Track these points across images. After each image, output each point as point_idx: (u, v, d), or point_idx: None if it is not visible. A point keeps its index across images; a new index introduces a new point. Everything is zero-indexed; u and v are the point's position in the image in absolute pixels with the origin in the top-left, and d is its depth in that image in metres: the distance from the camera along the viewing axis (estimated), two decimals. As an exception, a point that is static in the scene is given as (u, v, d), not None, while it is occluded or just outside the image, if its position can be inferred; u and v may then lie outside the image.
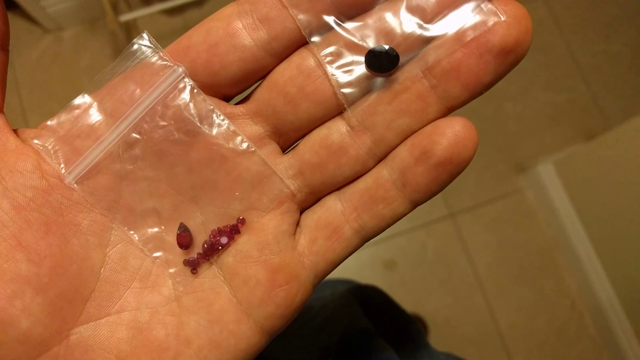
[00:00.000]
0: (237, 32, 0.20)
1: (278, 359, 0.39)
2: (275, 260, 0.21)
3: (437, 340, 1.17)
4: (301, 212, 0.23)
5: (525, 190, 1.29)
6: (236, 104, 0.22)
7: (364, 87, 0.21)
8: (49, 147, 0.20)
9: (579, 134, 1.33)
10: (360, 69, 0.21)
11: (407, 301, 1.20)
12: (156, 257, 0.21)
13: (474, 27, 0.20)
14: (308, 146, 0.22)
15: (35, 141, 0.20)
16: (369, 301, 0.49)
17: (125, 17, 1.13)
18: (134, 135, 0.21)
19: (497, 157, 1.29)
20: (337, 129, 0.21)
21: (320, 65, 0.21)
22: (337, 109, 0.21)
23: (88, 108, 0.21)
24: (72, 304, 0.19)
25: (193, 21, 1.27)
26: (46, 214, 0.19)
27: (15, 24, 1.31)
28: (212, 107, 0.21)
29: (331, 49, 0.21)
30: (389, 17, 0.21)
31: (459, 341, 1.20)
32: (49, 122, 0.21)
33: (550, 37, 1.40)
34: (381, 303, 0.50)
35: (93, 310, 0.20)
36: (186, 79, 0.21)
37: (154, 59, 0.21)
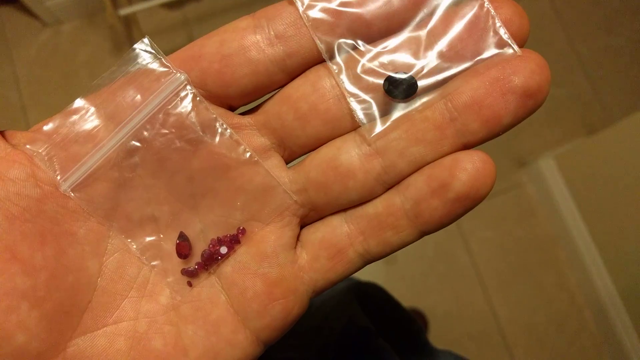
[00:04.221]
0: (251, 45, 0.20)
1: (276, 356, 0.39)
2: (274, 274, 0.21)
3: (437, 335, 1.17)
4: (302, 227, 0.23)
5: (526, 185, 1.29)
6: (242, 114, 0.22)
7: (380, 112, 0.21)
8: (43, 153, 0.20)
9: (581, 129, 1.32)
10: (378, 94, 0.21)
11: (407, 296, 1.20)
12: (154, 266, 0.21)
13: (492, 61, 0.20)
14: (315, 164, 0.21)
15: (28, 146, 0.20)
16: (368, 299, 0.49)
17: (125, 10, 1.12)
18: (133, 142, 0.20)
19: (497, 151, 1.29)
20: (347, 151, 0.21)
21: (336, 86, 0.21)
22: (346, 131, 0.21)
23: (85, 113, 0.20)
24: (68, 316, 0.19)
25: (192, 15, 1.27)
26: (41, 224, 0.19)
27: (14, 18, 1.30)
28: (214, 115, 0.21)
29: (350, 72, 0.21)
30: (409, 44, 0.21)
31: (459, 336, 1.20)
32: (44, 127, 0.20)
33: (552, 30, 1.39)
34: (381, 301, 0.50)
35: (90, 321, 0.20)
36: (188, 87, 0.20)
37: (156, 64, 0.20)
